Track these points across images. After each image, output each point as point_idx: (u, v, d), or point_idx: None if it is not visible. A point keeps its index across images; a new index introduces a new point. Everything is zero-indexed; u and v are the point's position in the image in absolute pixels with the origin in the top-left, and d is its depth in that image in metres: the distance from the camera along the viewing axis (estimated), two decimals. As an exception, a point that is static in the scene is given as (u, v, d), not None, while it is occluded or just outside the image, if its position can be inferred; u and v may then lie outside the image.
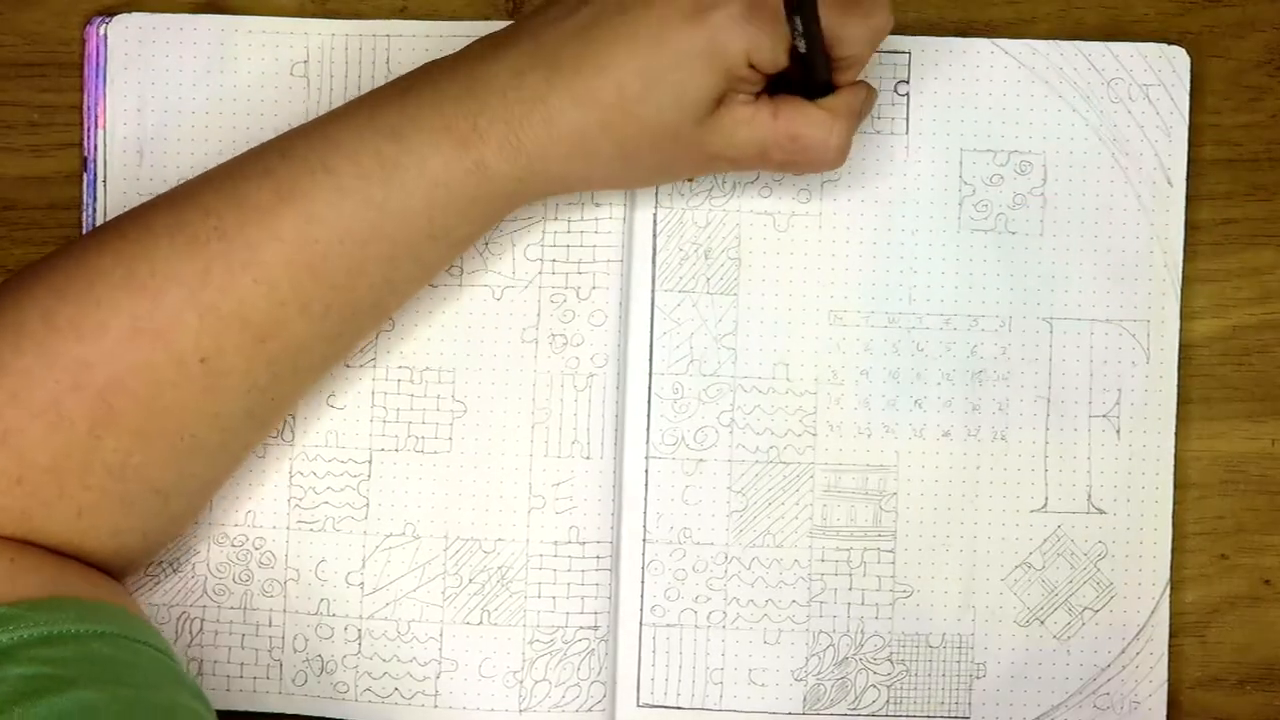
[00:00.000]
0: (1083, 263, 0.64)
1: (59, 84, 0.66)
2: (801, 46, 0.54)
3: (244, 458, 0.61)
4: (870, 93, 0.59)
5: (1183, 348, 0.64)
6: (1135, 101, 0.64)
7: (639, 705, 0.63)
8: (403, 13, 0.66)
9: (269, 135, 0.61)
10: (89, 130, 0.65)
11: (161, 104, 0.65)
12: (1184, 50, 0.64)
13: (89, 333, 0.54)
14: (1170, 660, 0.64)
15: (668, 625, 0.63)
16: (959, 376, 0.64)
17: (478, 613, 0.64)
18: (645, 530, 0.63)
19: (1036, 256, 0.64)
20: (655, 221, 0.64)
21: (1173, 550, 0.64)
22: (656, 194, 0.64)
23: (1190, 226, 0.65)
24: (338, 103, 0.63)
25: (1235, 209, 0.65)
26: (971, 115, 0.64)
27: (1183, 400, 0.64)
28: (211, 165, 0.60)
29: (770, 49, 0.55)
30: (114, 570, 0.58)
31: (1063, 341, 0.64)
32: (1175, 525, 0.64)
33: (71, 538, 0.55)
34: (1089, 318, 0.64)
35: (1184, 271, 0.64)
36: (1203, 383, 0.65)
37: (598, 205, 0.64)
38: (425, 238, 0.57)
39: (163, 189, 0.61)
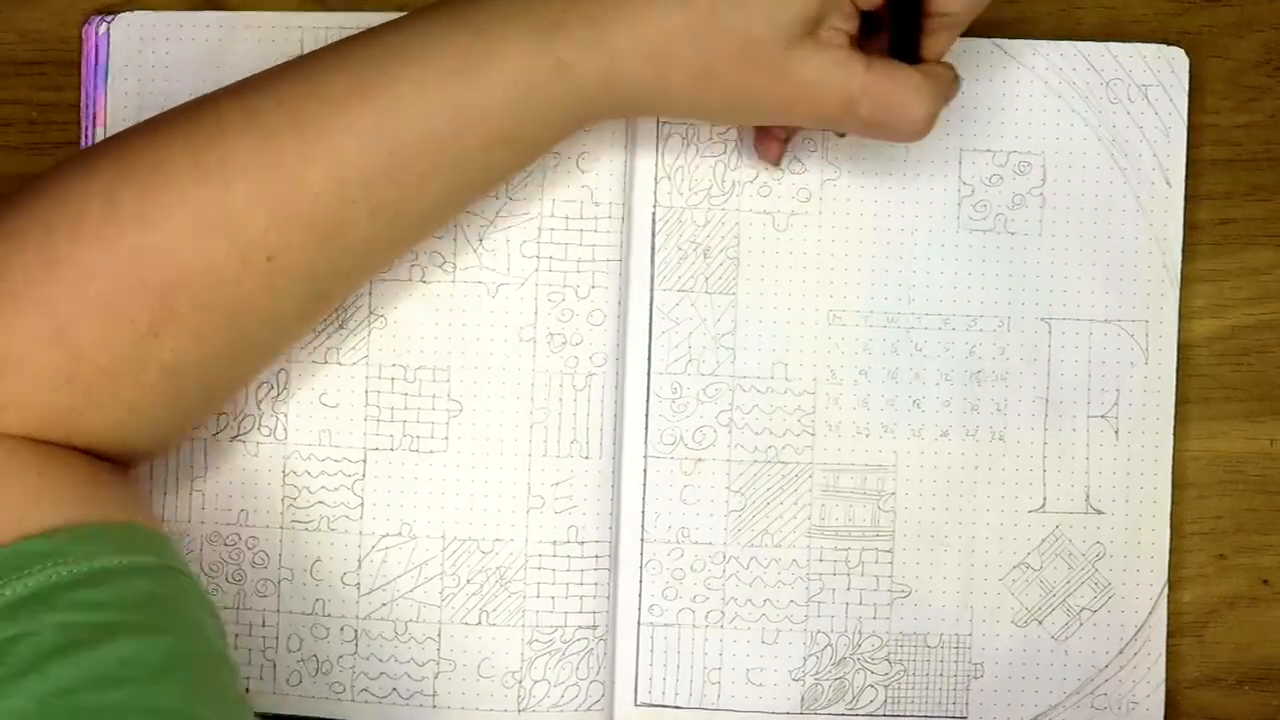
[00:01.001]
0: (1081, 263, 0.64)
1: (58, 82, 0.66)
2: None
3: (283, 354, 0.61)
4: (957, 80, 0.58)
5: (1181, 348, 0.64)
6: (1134, 102, 0.64)
7: (637, 704, 0.63)
8: (401, 4, 0.65)
9: None
10: (88, 129, 0.65)
11: (161, 102, 0.64)
12: (1183, 51, 0.64)
13: (152, 221, 0.52)
14: (1168, 660, 0.64)
15: (666, 625, 0.63)
16: (957, 376, 0.64)
17: (476, 613, 0.64)
18: (643, 530, 0.63)
19: (1035, 257, 0.64)
20: (654, 220, 0.64)
21: (1171, 550, 0.64)
22: (655, 192, 0.64)
23: (1189, 226, 0.65)
24: None
25: (1234, 209, 0.65)
26: (971, 115, 0.64)
27: (1181, 400, 0.65)
28: None
29: None
30: (140, 458, 0.57)
31: (1061, 342, 0.64)
32: (1174, 525, 0.64)
33: (115, 434, 0.54)
34: (1088, 318, 0.64)
35: (1183, 272, 0.65)
36: (1201, 383, 0.65)
37: (596, 204, 0.64)
38: (498, 140, 0.55)
39: None
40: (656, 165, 0.64)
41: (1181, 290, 0.65)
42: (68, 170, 0.54)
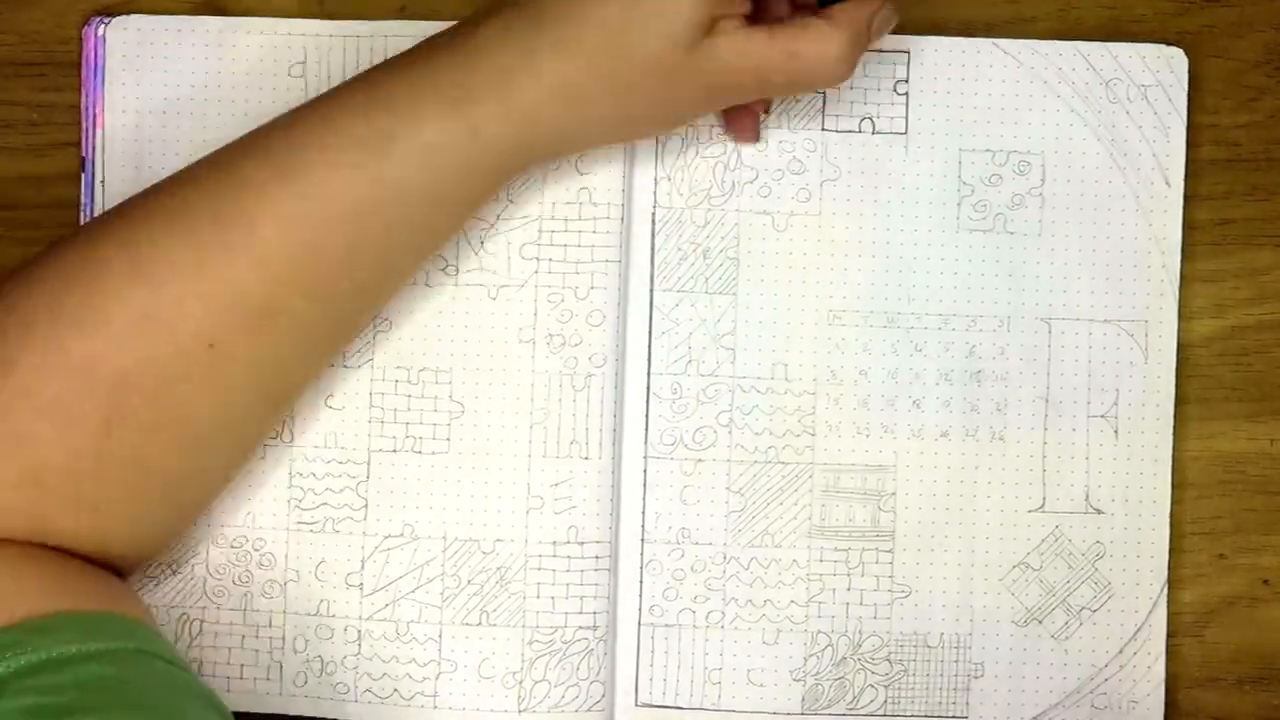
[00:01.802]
0: (1081, 263, 0.64)
1: (58, 83, 0.66)
2: None
3: (254, 446, 0.61)
4: (887, 9, 0.59)
5: (1181, 348, 0.65)
6: (1133, 102, 0.64)
7: (638, 705, 0.63)
8: (402, 12, 0.66)
9: None
10: (87, 130, 0.65)
11: (160, 105, 0.65)
12: (1182, 51, 0.64)
13: (95, 326, 0.54)
14: (1168, 660, 0.64)
15: (666, 625, 0.64)
16: (957, 377, 0.64)
17: (477, 613, 0.64)
18: (644, 530, 0.64)
19: (1035, 257, 0.64)
20: (654, 221, 0.64)
21: (1170, 550, 0.64)
22: (655, 193, 0.64)
23: (1188, 226, 0.65)
24: None
25: (1234, 209, 0.65)
26: (971, 115, 0.65)
27: (1181, 400, 0.65)
28: None
29: None
30: (128, 565, 0.58)
31: (1061, 342, 0.64)
32: (1173, 525, 0.65)
33: (90, 535, 0.56)
34: (1087, 318, 0.64)
35: (1182, 272, 0.65)
36: (1201, 383, 0.65)
37: (596, 205, 0.64)
38: (423, 208, 0.57)
39: None
40: (656, 166, 0.64)
41: (1181, 290, 0.65)
42: (19, 278, 0.56)
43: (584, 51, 0.55)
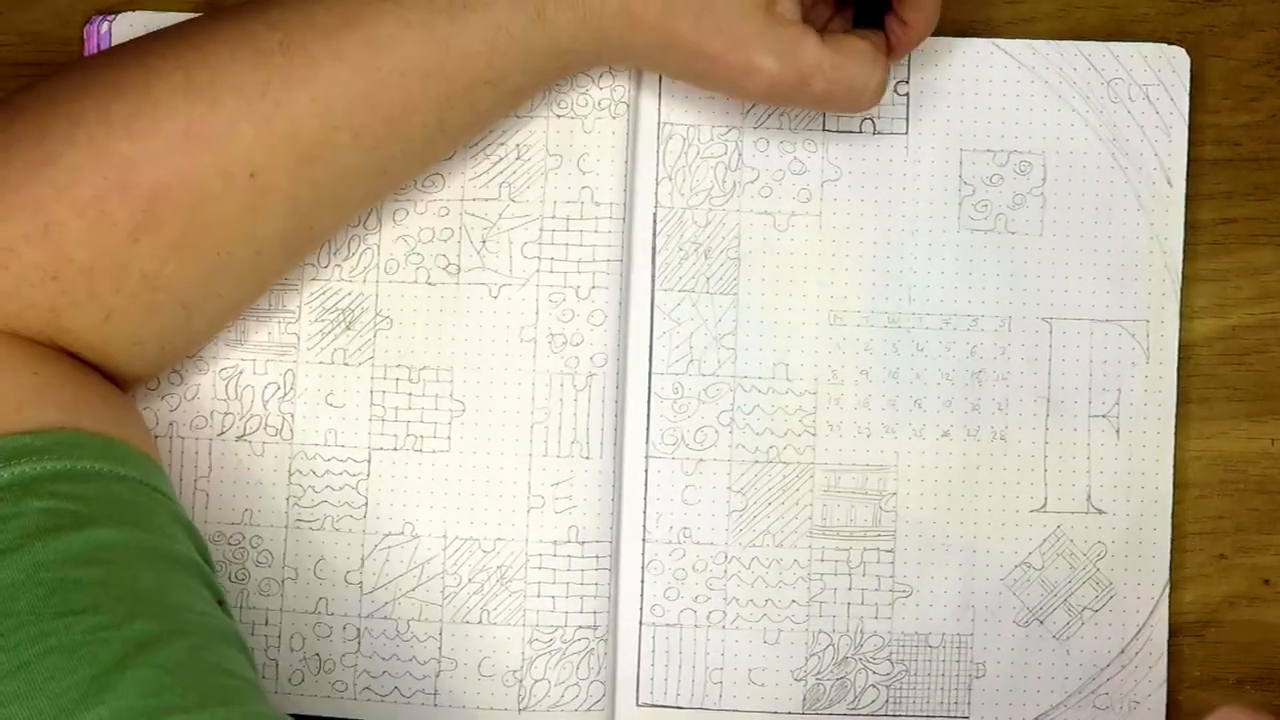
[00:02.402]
0: (1082, 263, 0.64)
1: None
2: None
3: (268, 286, 0.62)
4: (916, 29, 0.61)
5: (1183, 347, 0.65)
6: (1135, 101, 0.64)
7: (638, 705, 0.63)
8: None
9: None
10: None
11: None
12: (1184, 50, 0.65)
13: (142, 132, 0.55)
14: (1169, 660, 0.65)
15: (667, 625, 0.64)
16: (958, 376, 0.64)
17: (477, 612, 0.64)
18: (645, 530, 0.64)
19: (1036, 256, 0.64)
20: (655, 221, 0.64)
21: (1172, 550, 0.65)
22: (656, 192, 0.64)
23: (1190, 226, 0.65)
24: None
25: (1235, 208, 0.66)
26: (971, 115, 0.65)
27: (1182, 400, 0.65)
28: None
29: None
30: (126, 378, 0.59)
31: (1062, 341, 0.64)
32: (1175, 525, 0.65)
33: (95, 340, 0.56)
34: (1089, 317, 0.64)
35: (1184, 271, 0.65)
36: (1202, 382, 0.65)
37: (598, 204, 0.65)
38: (483, 82, 0.58)
39: None
40: (657, 166, 0.64)
41: (1183, 290, 0.65)
42: (65, 80, 0.56)
43: None
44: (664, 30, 0.58)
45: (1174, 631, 0.65)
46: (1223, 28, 0.66)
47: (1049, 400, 0.64)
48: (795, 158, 0.65)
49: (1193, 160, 0.65)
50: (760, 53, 0.58)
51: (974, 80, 0.65)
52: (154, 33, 0.58)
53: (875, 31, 0.60)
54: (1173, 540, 0.64)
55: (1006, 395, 0.64)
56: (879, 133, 0.65)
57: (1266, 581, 0.65)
